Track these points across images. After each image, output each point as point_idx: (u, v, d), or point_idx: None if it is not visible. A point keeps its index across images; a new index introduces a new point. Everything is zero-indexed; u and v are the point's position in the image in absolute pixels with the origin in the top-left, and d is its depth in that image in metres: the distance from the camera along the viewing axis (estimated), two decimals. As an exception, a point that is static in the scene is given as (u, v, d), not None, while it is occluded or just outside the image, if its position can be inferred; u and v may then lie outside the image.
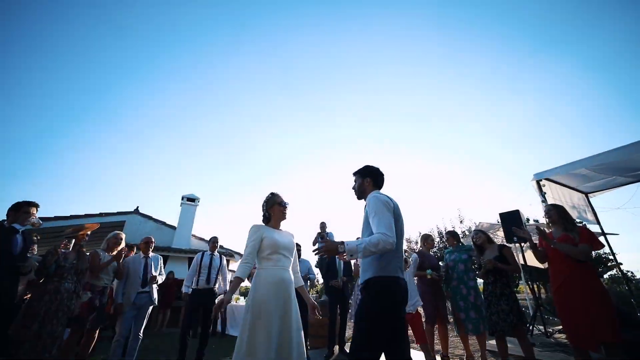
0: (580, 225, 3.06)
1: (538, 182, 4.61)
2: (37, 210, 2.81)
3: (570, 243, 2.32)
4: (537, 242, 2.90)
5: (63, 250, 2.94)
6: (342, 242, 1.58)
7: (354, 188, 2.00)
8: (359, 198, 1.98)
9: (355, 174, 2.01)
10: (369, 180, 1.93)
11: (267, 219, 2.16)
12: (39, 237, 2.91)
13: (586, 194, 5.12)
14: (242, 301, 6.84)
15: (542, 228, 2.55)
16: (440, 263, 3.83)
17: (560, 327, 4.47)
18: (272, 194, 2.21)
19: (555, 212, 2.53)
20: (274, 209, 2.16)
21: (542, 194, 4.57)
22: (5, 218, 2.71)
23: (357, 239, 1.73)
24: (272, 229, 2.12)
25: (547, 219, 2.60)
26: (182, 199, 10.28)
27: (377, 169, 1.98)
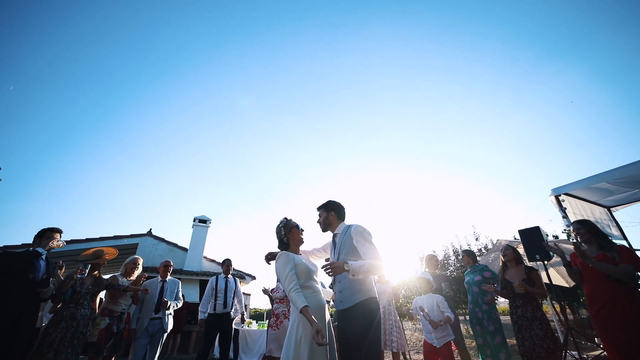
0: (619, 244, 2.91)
1: (557, 197, 4.49)
2: (60, 236, 2.88)
3: (610, 263, 2.17)
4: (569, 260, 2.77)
5: (79, 276, 2.95)
6: (347, 262, 1.80)
7: (319, 222, 2.21)
8: (324, 230, 2.21)
9: (319, 208, 2.24)
10: (333, 214, 2.16)
11: (285, 245, 2.07)
12: (61, 263, 2.95)
13: (608, 208, 4.95)
14: (254, 325, 6.64)
15: (579, 246, 2.39)
16: (442, 284, 3.71)
17: (597, 352, 4.16)
18: (286, 218, 2.14)
19: (586, 231, 2.38)
20: (292, 233, 2.09)
21: (562, 209, 4.44)
22: (32, 243, 2.78)
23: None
24: (297, 255, 2.05)
25: (577, 238, 2.47)
26: (194, 220, 10.34)
27: (339, 203, 2.21)
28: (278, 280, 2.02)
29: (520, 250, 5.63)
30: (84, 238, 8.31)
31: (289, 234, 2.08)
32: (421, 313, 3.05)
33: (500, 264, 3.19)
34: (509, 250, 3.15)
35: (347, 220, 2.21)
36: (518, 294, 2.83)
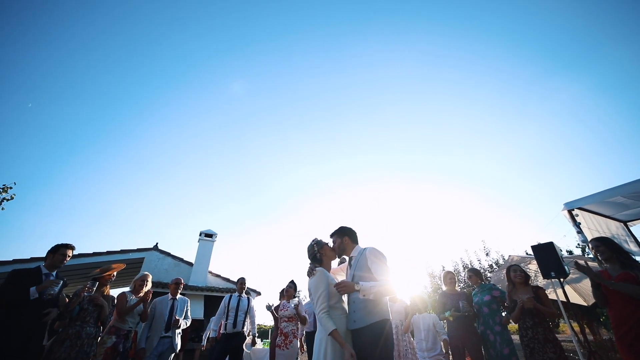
0: None
1: (570, 212, 4.38)
2: (72, 252, 2.89)
3: (633, 282, 2.05)
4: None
5: (86, 294, 2.89)
6: (358, 283, 1.85)
7: (334, 248, 2.25)
8: (340, 256, 2.26)
9: (332, 235, 2.28)
10: (347, 238, 2.20)
11: (319, 261, 2.13)
12: (65, 279, 2.94)
13: (625, 222, 4.81)
14: (259, 344, 6.46)
15: (591, 270, 2.23)
16: (460, 303, 3.57)
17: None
18: (316, 238, 2.24)
19: (607, 249, 2.26)
20: (324, 250, 2.18)
21: (577, 224, 4.32)
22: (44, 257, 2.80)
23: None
24: (331, 274, 2.09)
25: (597, 256, 2.36)
26: (200, 234, 10.31)
27: (350, 228, 2.26)
28: (310, 295, 2.03)
29: (534, 266, 5.46)
30: (91, 252, 8.35)
31: (321, 250, 2.17)
32: (422, 330, 3.05)
33: (508, 284, 3.10)
34: (522, 272, 3.07)
35: (361, 240, 2.25)
36: (528, 313, 2.74)
